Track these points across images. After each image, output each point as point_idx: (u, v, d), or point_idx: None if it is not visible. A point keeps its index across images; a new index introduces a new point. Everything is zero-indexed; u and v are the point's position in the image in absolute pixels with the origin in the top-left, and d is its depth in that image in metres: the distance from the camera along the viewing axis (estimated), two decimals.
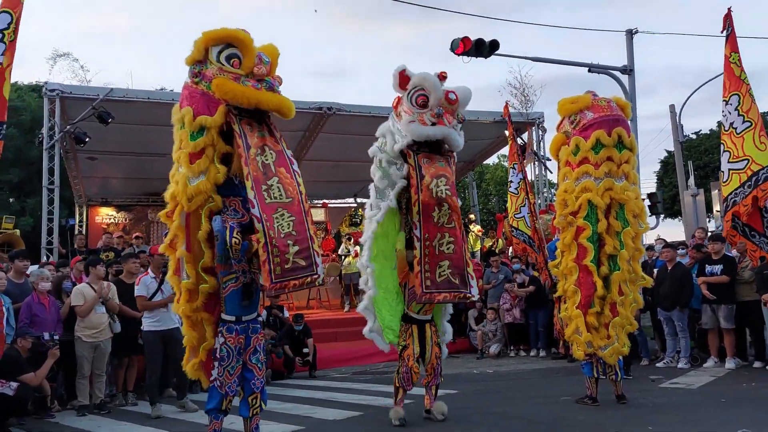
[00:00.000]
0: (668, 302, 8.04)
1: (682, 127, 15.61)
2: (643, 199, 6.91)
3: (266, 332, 8.35)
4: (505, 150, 13.30)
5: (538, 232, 9.84)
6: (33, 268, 7.13)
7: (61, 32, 52.15)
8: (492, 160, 28.73)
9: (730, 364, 7.59)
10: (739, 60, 7.39)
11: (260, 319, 8.42)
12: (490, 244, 13.11)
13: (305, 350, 8.72)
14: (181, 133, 4.17)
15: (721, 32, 7.56)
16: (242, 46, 4.12)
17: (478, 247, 13.21)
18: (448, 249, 5.16)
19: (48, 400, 6.25)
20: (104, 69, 58.44)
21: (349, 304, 12.53)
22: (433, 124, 5.18)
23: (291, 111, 4.22)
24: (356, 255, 12.50)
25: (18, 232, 10.29)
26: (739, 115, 7.26)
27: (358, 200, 17.53)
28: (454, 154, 5.52)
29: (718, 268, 7.83)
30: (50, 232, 10.57)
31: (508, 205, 11.12)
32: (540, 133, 13.60)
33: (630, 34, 12.63)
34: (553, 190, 14.53)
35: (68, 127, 10.60)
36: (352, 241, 12.99)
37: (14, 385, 5.50)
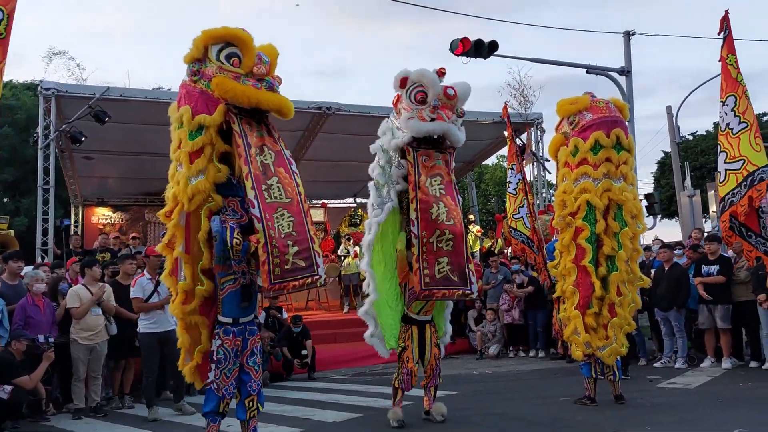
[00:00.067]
0: (665, 302, 8.06)
1: (678, 128, 15.64)
2: (641, 200, 6.92)
3: (265, 334, 8.33)
4: (504, 150, 13.30)
5: (537, 233, 9.85)
6: (27, 270, 7.07)
7: (58, 30, 52.10)
8: (491, 160, 28.77)
9: (726, 364, 7.62)
10: (736, 62, 7.43)
11: (259, 320, 8.45)
12: (489, 244, 13.12)
13: (304, 352, 8.69)
14: (179, 132, 4.13)
15: (718, 34, 7.59)
16: (242, 45, 4.10)
17: (477, 247, 13.21)
18: (447, 246, 5.12)
19: (43, 404, 6.20)
20: (101, 68, 58.41)
21: (348, 305, 12.51)
22: (432, 119, 5.15)
23: (291, 111, 4.20)
24: (356, 256, 12.50)
25: (12, 232, 10.23)
26: (735, 116, 7.30)
27: (358, 200, 17.49)
28: (454, 150, 5.47)
29: (714, 268, 7.85)
30: (45, 232, 10.51)
31: (507, 205, 11.13)
32: (539, 133, 13.61)
33: (627, 35, 12.66)
34: (551, 191, 14.55)
35: (64, 126, 10.53)
36: (351, 241, 12.96)
37: (8, 388, 5.46)
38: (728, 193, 7.33)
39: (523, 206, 10.44)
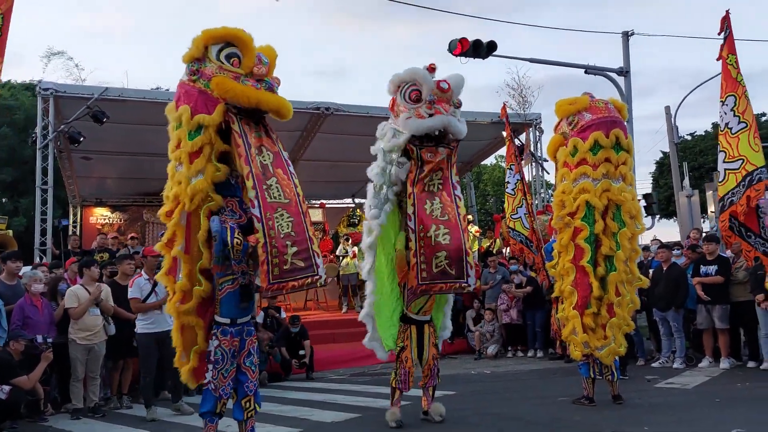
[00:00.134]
0: (663, 303, 8.07)
1: (677, 128, 15.65)
2: (639, 200, 6.93)
3: (264, 334, 8.32)
4: (503, 151, 13.31)
5: (536, 233, 9.85)
6: (26, 270, 7.07)
7: (57, 30, 52.00)
8: (490, 160, 28.80)
9: (724, 364, 7.63)
10: (736, 62, 7.43)
11: (258, 321, 8.45)
12: (488, 244, 13.11)
13: (302, 352, 8.69)
14: (179, 132, 4.13)
15: (719, 34, 7.59)
16: (242, 46, 4.10)
17: (475, 247, 13.19)
18: (444, 240, 5.11)
19: (41, 404, 6.20)
20: (100, 68, 58.26)
21: (347, 305, 12.50)
22: (430, 115, 5.13)
23: (289, 112, 4.20)
24: (354, 256, 12.50)
25: (11, 232, 10.20)
26: (734, 115, 7.31)
27: (356, 200, 17.49)
28: (457, 143, 5.43)
29: (712, 268, 7.86)
30: (43, 232, 10.50)
31: (506, 205, 11.13)
32: (537, 134, 13.62)
33: (626, 35, 12.67)
34: (550, 191, 14.56)
35: (62, 126, 10.52)
36: (350, 241, 12.96)
37: (6, 388, 5.45)
38: (728, 193, 7.34)
39: (521, 206, 10.44)
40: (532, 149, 13.28)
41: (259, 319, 8.65)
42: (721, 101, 7.56)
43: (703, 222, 16.62)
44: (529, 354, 9.60)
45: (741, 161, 7.31)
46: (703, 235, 9.62)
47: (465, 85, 5.43)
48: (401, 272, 5.40)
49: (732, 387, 6.58)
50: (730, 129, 7.31)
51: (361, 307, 12.86)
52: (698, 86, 15.51)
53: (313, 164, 14.13)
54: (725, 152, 7.35)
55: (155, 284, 6.19)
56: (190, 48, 4.14)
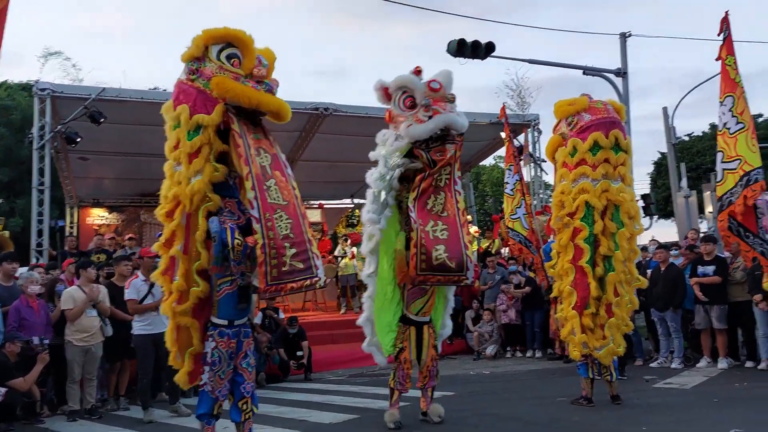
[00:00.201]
0: (661, 303, 8.08)
1: (674, 129, 15.66)
2: (637, 201, 6.93)
3: (263, 336, 8.30)
4: (501, 151, 13.31)
5: (535, 233, 9.86)
6: (22, 271, 7.04)
7: (55, 30, 51.89)
8: (488, 161, 28.82)
9: (722, 364, 7.63)
10: (735, 63, 7.43)
11: (256, 321, 8.42)
12: (487, 245, 13.10)
13: (299, 353, 8.66)
14: (177, 131, 4.11)
15: (718, 35, 7.59)
16: (243, 47, 4.09)
17: (474, 248, 13.16)
18: (442, 235, 5.14)
19: (37, 406, 6.18)
20: (98, 68, 58.16)
21: (345, 306, 12.48)
22: (430, 117, 5.13)
23: (288, 115, 4.20)
24: (353, 256, 12.49)
25: (7, 233, 10.15)
26: (733, 116, 7.30)
27: (355, 201, 17.48)
28: (462, 137, 5.41)
29: (710, 269, 7.87)
30: (40, 233, 10.46)
31: (505, 206, 11.13)
32: (536, 134, 13.63)
33: (623, 37, 12.68)
34: (548, 192, 14.57)
35: (59, 126, 10.49)
36: (348, 242, 12.94)
37: (2, 390, 5.44)
38: (726, 193, 7.33)
39: (520, 207, 10.44)
40: (530, 150, 13.29)
41: (258, 319, 8.63)
42: (720, 101, 7.57)
43: (701, 222, 16.64)
44: (528, 354, 9.59)
45: (739, 161, 7.31)
46: (701, 235, 9.62)
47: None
48: (401, 273, 5.39)
49: (730, 387, 6.59)
50: (728, 129, 7.31)
51: (360, 308, 12.89)
52: (696, 87, 15.53)
53: (312, 164, 14.11)
54: (723, 152, 7.36)
55: (152, 285, 6.16)
56: (189, 47, 4.13)
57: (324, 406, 6.49)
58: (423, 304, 5.40)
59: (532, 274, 9.94)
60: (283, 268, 3.83)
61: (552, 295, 6.59)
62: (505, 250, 12.33)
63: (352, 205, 17.08)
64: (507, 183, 11.12)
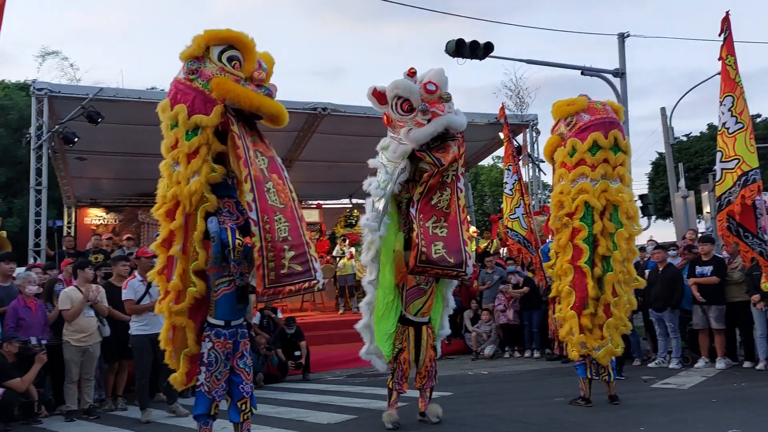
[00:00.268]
0: (659, 303, 8.08)
1: (672, 129, 15.71)
2: (635, 201, 6.94)
3: (261, 338, 8.29)
4: (500, 152, 13.32)
5: (534, 233, 9.86)
6: (20, 271, 7.02)
7: (52, 30, 51.77)
8: (487, 161, 28.85)
9: (720, 364, 7.64)
10: (735, 63, 7.43)
11: (254, 322, 8.40)
12: (485, 245, 13.11)
13: (297, 353, 8.65)
14: (175, 131, 4.09)
15: (719, 35, 7.59)
16: (245, 50, 4.08)
17: (473, 248, 13.18)
18: (441, 232, 5.15)
19: (35, 406, 6.16)
20: (95, 67, 58.07)
21: (343, 306, 12.47)
22: (429, 120, 5.14)
23: (285, 120, 4.21)
24: (351, 257, 12.49)
25: (5, 233, 10.13)
26: (732, 115, 7.30)
27: (354, 201, 17.47)
28: (462, 134, 5.44)
29: (708, 269, 7.88)
30: (38, 233, 10.44)
31: (503, 206, 11.13)
32: (534, 135, 13.64)
33: (622, 37, 12.70)
34: (547, 192, 14.59)
35: (57, 126, 10.48)
36: (347, 242, 12.94)
37: (0, 390, 5.41)
38: (725, 192, 7.33)
39: (519, 206, 10.44)
40: (528, 150, 13.30)
41: (256, 320, 8.61)
42: (720, 101, 7.58)
43: (699, 223, 16.66)
44: (526, 354, 9.60)
45: (737, 161, 7.31)
46: (699, 235, 9.64)
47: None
48: (400, 273, 5.39)
49: (728, 387, 6.59)
50: (728, 129, 7.31)
51: (358, 309, 12.86)
52: (694, 87, 15.59)
53: (310, 164, 14.10)
54: (722, 152, 7.35)
55: (149, 285, 6.15)
56: (190, 45, 4.10)
57: (322, 406, 6.48)
58: (422, 304, 5.39)
59: (530, 274, 9.95)
60: (282, 271, 3.82)
61: (551, 295, 6.60)
62: (503, 250, 12.33)
63: (351, 205, 17.08)
64: (506, 183, 11.12)
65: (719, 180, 7.46)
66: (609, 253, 5.71)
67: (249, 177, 3.90)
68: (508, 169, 11.05)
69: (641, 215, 11.16)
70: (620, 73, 12.45)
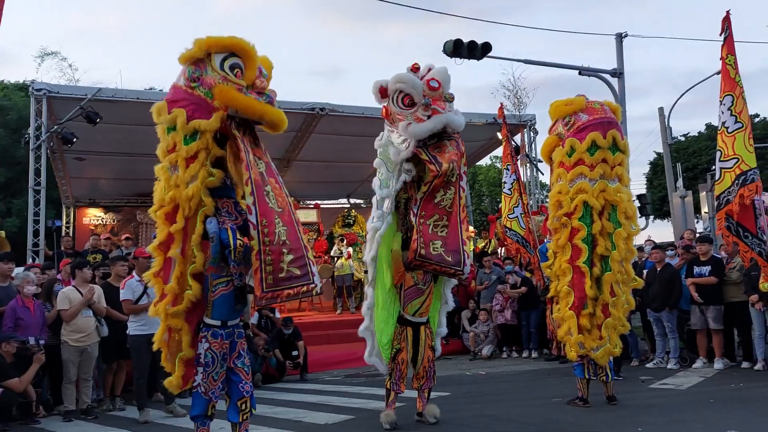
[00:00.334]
0: (657, 303, 8.09)
1: (671, 129, 15.73)
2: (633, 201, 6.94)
3: (259, 340, 8.29)
4: (497, 151, 13.32)
5: (532, 233, 9.87)
6: (18, 271, 7.02)
7: (51, 30, 51.74)
8: (484, 161, 28.87)
9: (718, 364, 7.64)
10: (735, 62, 7.44)
11: (252, 322, 8.39)
12: (483, 245, 13.12)
13: (295, 353, 8.65)
14: (173, 135, 4.07)
15: (720, 35, 7.59)
16: (246, 57, 4.09)
17: (471, 247, 13.20)
18: (441, 232, 5.17)
19: (33, 406, 6.16)
20: (94, 67, 57.95)
21: (341, 306, 12.48)
22: (429, 117, 5.15)
23: (284, 126, 4.26)
24: (349, 256, 12.50)
25: (3, 233, 10.13)
26: (731, 115, 7.29)
27: (351, 201, 17.48)
28: (459, 135, 5.45)
29: (706, 269, 7.89)
30: (36, 233, 10.44)
31: (502, 205, 11.13)
32: (532, 135, 13.65)
33: (620, 37, 12.70)
34: (544, 192, 14.60)
35: (55, 127, 10.47)
36: (344, 242, 12.94)
37: None
38: (723, 192, 7.34)
39: (517, 206, 10.45)
40: (526, 150, 13.30)
41: (254, 320, 8.61)
42: (720, 100, 7.59)
43: (697, 223, 16.69)
44: (524, 355, 9.60)
45: (735, 160, 7.31)
46: (697, 235, 9.65)
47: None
48: (397, 273, 5.39)
49: (726, 387, 6.60)
50: (727, 128, 7.31)
51: (356, 308, 12.86)
52: (692, 87, 15.62)
53: (308, 164, 14.10)
54: (721, 151, 7.36)
55: (147, 285, 6.15)
56: (189, 49, 4.08)
57: (319, 406, 6.48)
58: (420, 304, 5.39)
59: (528, 274, 9.95)
60: (280, 275, 3.84)
61: (549, 296, 6.60)
62: (501, 250, 12.34)
63: (348, 205, 17.08)
64: (504, 182, 11.13)
65: (718, 179, 7.47)
66: (608, 252, 5.71)
67: (250, 180, 3.92)
68: (507, 169, 11.06)
69: (639, 215, 11.17)
70: (618, 73, 12.45)
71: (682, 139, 27.64)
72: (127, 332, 6.30)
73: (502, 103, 12.07)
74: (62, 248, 10.24)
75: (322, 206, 16.46)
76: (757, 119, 26.02)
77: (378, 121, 5.70)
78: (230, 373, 4.24)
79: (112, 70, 58.38)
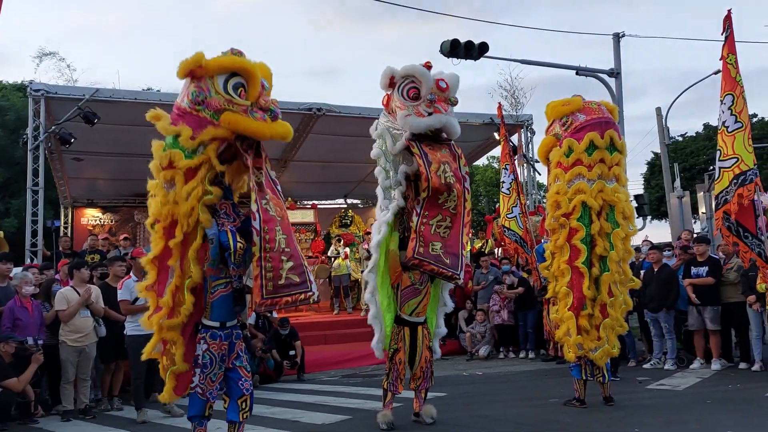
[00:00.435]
0: (655, 304, 8.09)
1: (668, 129, 15.76)
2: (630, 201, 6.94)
3: (257, 342, 8.29)
4: (494, 152, 13.34)
5: (530, 233, 9.89)
6: (16, 271, 7.02)
7: (49, 30, 51.65)
8: (482, 161, 28.90)
9: (715, 365, 7.66)
10: (736, 62, 7.45)
11: (249, 322, 8.39)
12: (480, 245, 13.14)
13: (292, 352, 8.66)
14: (171, 152, 4.03)
15: (721, 34, 7.61)
16: (248, 77, 4.09)
17: (468, 248, 13.21)
18: (444, 233, 5.17)
19: (32, 406, 6.17)
20: (93, 67, 57.91)
21: (338, 306, 12.48)
22: (430, 113, 5.16)
23: (290, 137, 4.32)
24: (346, 257, 12.49)
25: (2, 234, 10.12)
26: (732, 114, 7.30)
27: (349, 201, 17.50)
28: (453, 141, 5.48)
29: (703, 269, 7.89)
30: (34, 234, 10.44)
31: (500, 205, 11.15)
32: (529, 135, 13.67)
33: (617, 37, 12.72)
34: (541, 192, 14.61)
35: (53, 127, 10.48)
36: (341, 242, 12.94)
37: None
38: (722, 191, 7.36)
39: (516, 206, 10.47)
40: (523, 150, 13.32)
41: (251, 320, 8.62)
42: (720, 100, 7.60)
43: (694, 223, 16.73)
44: (521, 355, 9.61)
45: (735, 160, 7.31)
46: (694, 236, 9.67)
47: (458, 87, 5.47)
48: (394, 273, 5.40)
49: (723, 388, 6.60)
50: (727, 128, 7.31)
51: (354, 308, 12.85)
52: (689, 87, 15.66)
53: (306, 165, 14.12)
54: (721, 150, 7.37)
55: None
56: (188, 63, 4.04)
57: (316, 406, 6.49)
58: (417, 304, 5.40)
59: (525, 275, 9.96)
60: (279, 282, 3.86)
61: (548, 296, 6.60)
62: (498, 251, 12.36)
63: (345, 206, 17.10)
64: (503, 182, 11.15)
65: (717, 179, 7.48)
66: (606, 253, 5.71)
67: (254, 187, 3.97)
68: (506, 168, 11.08)
69: (636, 215, 11.19)
70: (615, 73, 12.47)
71: (680, 139, 27.70)
72: (125, 332, 6.30)
73: (500, 103, 12.11)
74: (60, 248, 10.23)
75: (319, 206, 16.47)
76: (755, 119, 26.06)
77: (376, 122, 5.70)
78: (229, 372, 4.23)
79: (110, 70, 58.42)
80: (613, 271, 5.71)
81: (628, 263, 6.04)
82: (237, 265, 4.04)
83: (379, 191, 5.52)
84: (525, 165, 13.65)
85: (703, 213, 14.73)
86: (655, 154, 26.88)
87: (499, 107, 11.53)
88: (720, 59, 7.67)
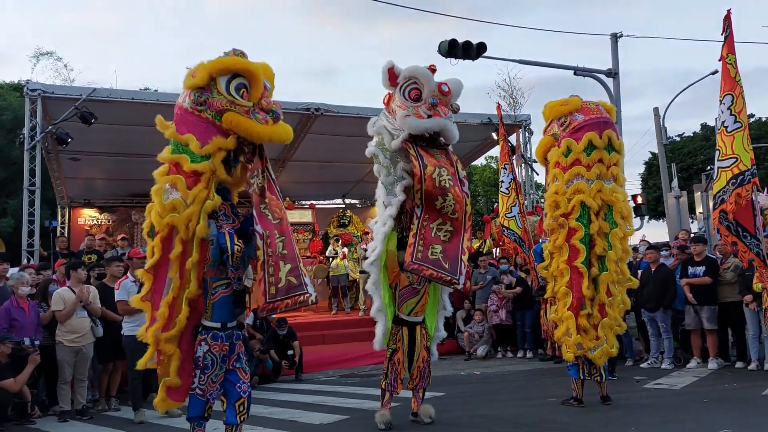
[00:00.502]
0: (652, 303, 8.11)
1: (666, 129, 15.78)
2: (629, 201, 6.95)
3: (256, 343, 8.27)
4: (493, 152, 13.35)
5: (528, 233, 9.90)
6: (13, 271, 7.00)
7: (46, 30, 51.58)
8: (480, 161, 28.90)
9: (712, 364, 7.68)
10: (735, 62, 7.47)
11: (248, 322, 8.39)
12: (478, 244, 13.15)
13: (290, 352, 8.65)
14: (179, 157, 4.04)
15: (721, 34, 7.62)
16: (251, 77, 4.09)
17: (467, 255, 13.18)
18: (444, 236, 5.15)
19: (29, 406, 6.15)
20: (89, 67, 57.79)
21: (336, 306, 12.47)
22: (429, 116, 5.16)
23: (290, 140, 4.35)
24: (344, 257, 12.48)
25: None
26: (731, 114, 7.32)
27: (347, 201, 17.49)
28: (450, 147, 5.48)
29: (700, 269, 7.92)
30: (31, 234, 10.41)
31: (499, 204, 11.16)
32: (527, 135, 13.68)
33: (615, 37, 12.74)
34: (540, 192, 14.63)
35: (50, 127, 10.45)
36: (339, 242, 12.94)
37: None
38: (720, 191, 7.38)
39: (515, 205, 10.49)
40: (521, 150, 13.34)
41: (249, 320, 8.61)
42: (720, 100, 7.62)
43: (692, 223, 16.76)
44: (519, 355, 9.61)
45: (734, 160, 7.33)
46: (692, 236, 9.68)
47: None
48: (392, 273, 5.40)
49: (720, 387, 6.63)
50: (726, 127, 7.32)
51: (352, 308, 12.84)
52: (687, 88, 15.67)
53: (303, 165, 14.11)
54: (719, 150, 7.39)
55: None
56: (194, 74, 4.06)
57: (314, 406, 6.49)
58: (415, 304, 5.40)
59: (523, 275, 9.97)
60: (279, 285, 3.90)
61: (547, 296, 6.60)
62: (496, 250, 12.36)
63: (344, 206, 17.09)
64: (502, 182, 11.16)
65: (716, 178, 7.50)
66: (605, 253, 5.72)
67: (256, 191, 4.02)
68: (505, 168, 11.09)
69: (634, 215, 11.21)
70: (613, 74, 12.49)
71: (677, 139, 27.75)
72: (122, 333, 6.29)
73: (498, 103, 12.12)
74: (57, 249, 10.21)
75: (317, 206, 16.47)
76: (752, 119, 26.12)
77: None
78: (228, 375, 4.23)
79: (107, 70, 58.33)
80: (612, 270, 5.72)
81: (626, 263, 6.06)
82: (235, 267, 4.04)
83: (380, 188, 5.50)
84: (523, 165, 13.66)
85: (700, 213, 14.74)
86: (653, 154, 26.91)
87: (498, 107, 11.55)
88: (719, 59, 7.68)
